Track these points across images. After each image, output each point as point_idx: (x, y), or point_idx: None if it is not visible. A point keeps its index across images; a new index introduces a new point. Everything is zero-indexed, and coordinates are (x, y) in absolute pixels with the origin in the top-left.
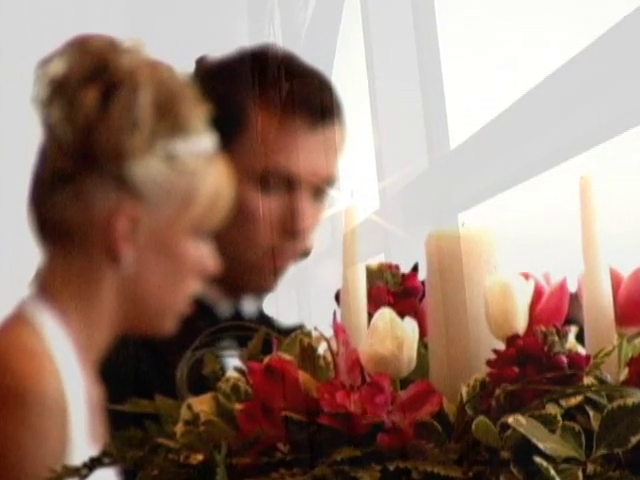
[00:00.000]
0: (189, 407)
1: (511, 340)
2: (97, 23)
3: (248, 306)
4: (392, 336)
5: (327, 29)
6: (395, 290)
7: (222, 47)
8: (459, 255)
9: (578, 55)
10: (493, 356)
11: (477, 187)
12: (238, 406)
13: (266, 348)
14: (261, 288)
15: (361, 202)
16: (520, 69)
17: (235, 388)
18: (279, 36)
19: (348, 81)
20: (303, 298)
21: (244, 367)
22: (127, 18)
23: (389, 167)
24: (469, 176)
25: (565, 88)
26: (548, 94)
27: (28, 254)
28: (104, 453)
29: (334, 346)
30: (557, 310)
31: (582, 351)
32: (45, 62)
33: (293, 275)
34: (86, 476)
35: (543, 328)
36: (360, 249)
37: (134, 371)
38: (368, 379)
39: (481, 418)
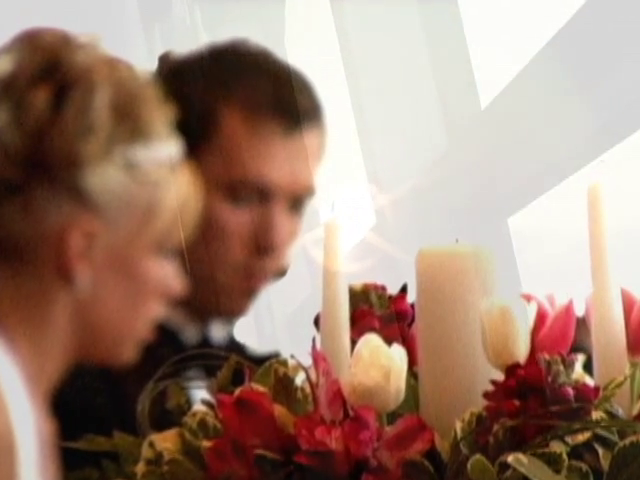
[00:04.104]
0: (151, 444)
1: (511, 370)
2: None
3: (217, 332)
4: (378, 365)
5: None
6: (381, 314)
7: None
8: (452, 274)
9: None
10: (491, 387)
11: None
12: (206, 443)
13: (237, 379)
14: (231, 311)
15: (351, 216)
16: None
17: (202, 423)
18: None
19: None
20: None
21: (213, 400)
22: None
23: (385, 166)
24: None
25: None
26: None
27: None
28: None
29: (313, 376)
30: (562, 336)
31: (590, 382)
32: None
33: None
34: None
35: (547, 356)
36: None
37: (90, 404)
38: (351, 413)
39: (477, 457)
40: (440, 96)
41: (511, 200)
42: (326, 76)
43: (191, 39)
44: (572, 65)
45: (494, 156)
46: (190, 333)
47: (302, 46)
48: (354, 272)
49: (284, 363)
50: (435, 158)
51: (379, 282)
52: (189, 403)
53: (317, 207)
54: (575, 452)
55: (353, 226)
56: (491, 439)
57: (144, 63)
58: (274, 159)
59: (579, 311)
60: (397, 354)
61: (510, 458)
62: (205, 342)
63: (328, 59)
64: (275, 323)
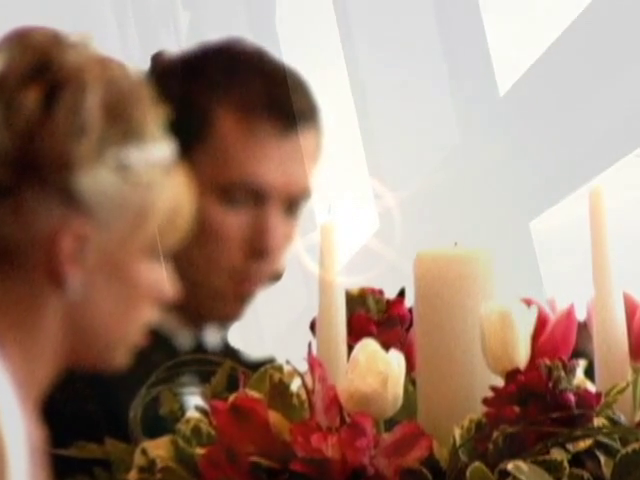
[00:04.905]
0: (144, 452)
1: (511, 375)
2: None
3: (211, 337)
4: (375, 371)
5: None
6: (379, 318)
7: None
8: (451, 279)
9: None
10: (490, 393)
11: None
12: (200, 451)
13: (232, 385)
14: (226, 316)
15: (351, 220)
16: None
17: (196, 430)
18: None
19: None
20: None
21: (206, 406)
22: None
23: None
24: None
25: None
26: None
27: None
28: None
29: (309, 382)
30: (563, 341)
31: (592, 388)
32: None
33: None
34: None
35: (547, 362)
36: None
37: (81, 411)
38: (348, 420)
39: (477, 464)
40: (453, 82)
41: (533, 201)
42: (322, 61)
43: (168, 16)
44: (598, 51)
45: (514, 150)
46: (184, 338)
47: (295, 27)
48: (356, 282)
49: (279, 369)
50: (447, 153)
51: (378, 287)
52: (182, 409)
53: (314, 209)
54: (576, 459)
55: (353, 231)
56: (490, 446)
57: (114, 43)
58: (269, 160)
59: (580, 315)
60: (395, 360)
61: (510, 466)
62: (199, 347)
63: (324, 42)
64: (262, 328)
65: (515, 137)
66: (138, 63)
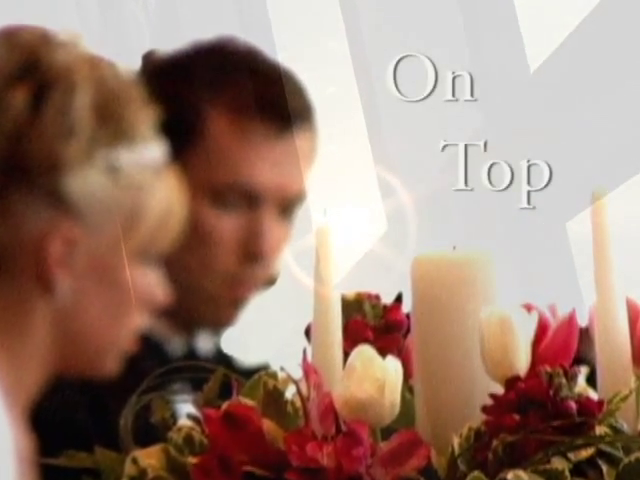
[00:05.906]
0: (134, 461)
1: (511, 382)
2: None
3: (204, 343)
4: (372, 378)
5: None
6: (375, 324)
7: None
8: (450, 283)
9: None
10: (490, 401)
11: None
12: (192, 460)
13: (225, 392)
14: (219, 322)
15: (350, 222)
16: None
17: (188, 439)
18: None
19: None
20: None
21: (199, 414)
22: None
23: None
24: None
25: None
26: None
27: None
28: None
29: (304, 389)
30: (565, 347)
31: (594, 395)
32: None
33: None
34: None
35: (548, 368)
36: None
37: (70, 419)
38: (344, 428)
39: (476, 474)
40: (476, 58)
41: (570, 200)
42: (321, 32)
43: None
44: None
45: (548, 139)
46: (175, 344)
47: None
48: (354, 287)
49: (274, 376)
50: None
51: (375, 291)
52: (174, 417)
53: (310, 211)
54: (578, 469)
55: (356, 234)
56: (490, 455)
57: (70, 10)
58: (263, 163)
59: (582, 321)
60: (392, 366)
61: (510, 475)
62: (191, 354)
63: (322, 12)
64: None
65: (546, 124)
66: (97, 38)
